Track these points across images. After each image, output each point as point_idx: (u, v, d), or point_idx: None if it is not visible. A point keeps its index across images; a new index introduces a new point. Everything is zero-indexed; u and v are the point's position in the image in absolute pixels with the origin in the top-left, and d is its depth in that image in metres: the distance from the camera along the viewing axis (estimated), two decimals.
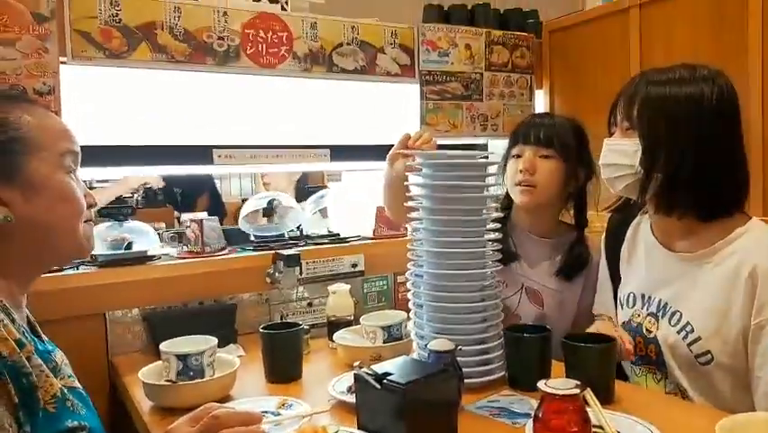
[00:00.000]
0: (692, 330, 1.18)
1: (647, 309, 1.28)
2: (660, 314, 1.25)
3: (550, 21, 2.35)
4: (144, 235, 1.68)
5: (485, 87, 2.23)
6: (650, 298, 1.28)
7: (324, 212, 2.08)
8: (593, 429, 0.87)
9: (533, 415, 0.87)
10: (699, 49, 1.82)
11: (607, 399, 1.09)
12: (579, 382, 0.84)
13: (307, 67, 1.89)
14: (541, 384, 0.84)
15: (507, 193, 1.59)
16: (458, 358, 1.14)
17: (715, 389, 1.17)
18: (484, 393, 1.19)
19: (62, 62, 1.54)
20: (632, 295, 1.33)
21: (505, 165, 1.57)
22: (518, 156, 1.54)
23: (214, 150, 1.76)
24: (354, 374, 1.01)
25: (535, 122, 1.58)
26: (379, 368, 0.99)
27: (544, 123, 1.56)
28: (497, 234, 1.28)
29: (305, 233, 1.98)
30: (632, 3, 2.01)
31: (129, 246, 1.64)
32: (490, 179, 1.29)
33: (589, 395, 0.95)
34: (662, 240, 1.29)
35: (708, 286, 1.18)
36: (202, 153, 1.76)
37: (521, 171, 1.52)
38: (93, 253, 1.57)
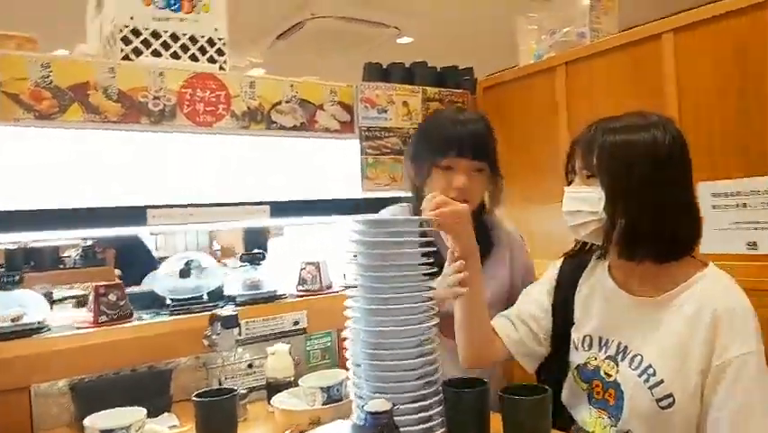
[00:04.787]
0: (654, 373, 1.18)
1: (605, 353, 1.28)
2: (619, 357, 1.25)
3: (483, 78, 2.45)
4: (275, 279, 1.95)
5: None
6: (608, 341, 1.29)
7: None
8: None
9: None
10: (619, 103, 1.92)
11: None
12: None
13: (246, 124, 1.89)
14: None
15: (418, 203, 1.54)
16: (397, 417, 1.12)
17: None
18: None
19: None
20: (588, 338, 1.33)
21: (426, 168, 1.52)
22: (449, 168, 1.49)
23: (147, 209, 1.73)
24: None
25: (465, 130, 1.50)
26: None
27: (474, 129, 1.49)
28: (432, 289, 1.29)
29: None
30: (558, 62, 2.13)
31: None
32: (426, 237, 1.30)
33: None
34: (621, 283, 1.30)
35: (670, 329, 1.20)
36: (135, 214, 1.72)
37: (456, 189, 1.47)
38: (231, 294, 1.87)
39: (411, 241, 1.28)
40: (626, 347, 1.25)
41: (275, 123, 1.96)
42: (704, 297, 1.19)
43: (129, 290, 1.77)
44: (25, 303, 1.57)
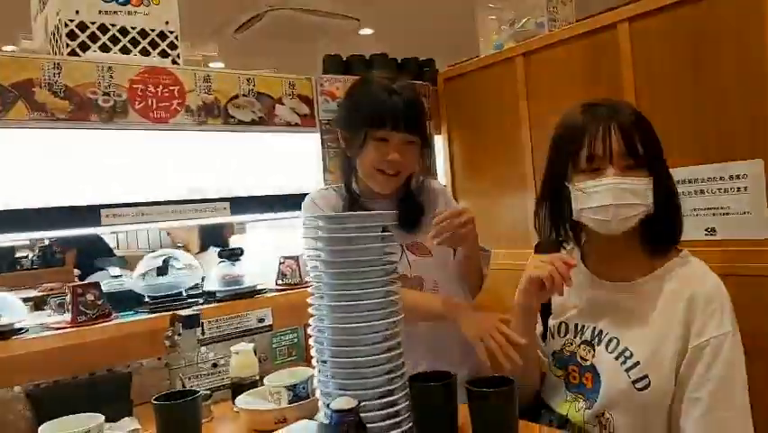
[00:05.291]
0: (631, 355, 1.19)
1: (580, 338, 1.28)
2: (595, 342, 1.25)
3: (444, 69, 2.45)
4: (254, 274, 1.93)
5: None
6: (583, 327, 1.29)
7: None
8: None
9: None
10: (577, 91, 1.94)
11: None
12: None
13: (202, 119, 1.85)
14: None
15: (349, 171, 1.56)
16: (363, 414, 1.11)
17: (643, 423, 1.18)
18: None
19: None
20: (563, 324, 1.33)
21: (361, 140, 1.46)
22: (383, 140, 1.46)
23: (102, 209, 1.67)
24: None
25: (400, 100, 1.45)
26: None
27: (408, 99, 1.47)
28: (397, 284, 1.28)
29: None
30: (517, 52, 2.14)
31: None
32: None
33: None
34: (594, 270, 1.30)
35: (646, 312, 1.21)
36: (89, 214, 1.66)
37: (390, 162, 1.46)
38: (211, 289, 1.86)
39: (372, 236, 1.26)
40: (600, 331, 1.26)
41: (232, 117, 1.92)
42: (680, 281, 1.20)
43: (106, 288, 1.72)
44: (1, 306, 1.55)
